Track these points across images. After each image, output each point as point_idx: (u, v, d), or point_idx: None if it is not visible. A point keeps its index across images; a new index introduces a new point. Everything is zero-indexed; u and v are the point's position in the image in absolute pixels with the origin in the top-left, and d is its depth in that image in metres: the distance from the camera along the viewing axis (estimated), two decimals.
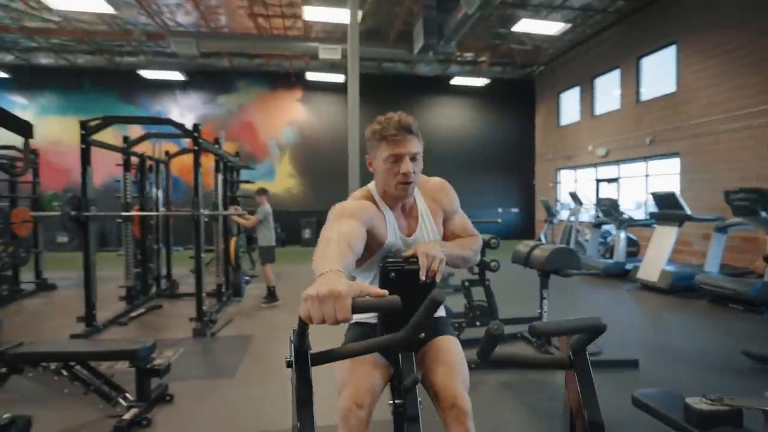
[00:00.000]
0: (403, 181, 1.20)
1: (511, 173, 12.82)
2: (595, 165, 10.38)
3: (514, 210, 12.88)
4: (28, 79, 10.85)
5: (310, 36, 9.29)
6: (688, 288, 5.33)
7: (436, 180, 1.35)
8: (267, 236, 5.07)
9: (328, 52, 8.94)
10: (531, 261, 3.54)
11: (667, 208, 5.75)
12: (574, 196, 8.66)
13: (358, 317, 1.31)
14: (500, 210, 12.64)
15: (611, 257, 7.19)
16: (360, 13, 8.12)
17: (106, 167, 6.67)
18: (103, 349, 2.24)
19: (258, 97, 11.87)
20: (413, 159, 1.20)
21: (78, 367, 2.17)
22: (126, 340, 2.34)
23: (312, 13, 7.98)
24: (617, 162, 9.55)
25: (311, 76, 11.42)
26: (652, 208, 7.26)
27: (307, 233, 11.28)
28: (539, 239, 9.75)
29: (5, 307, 4.89)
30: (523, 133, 12.96)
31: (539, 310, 3.50)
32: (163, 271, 5.87)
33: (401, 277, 1.14)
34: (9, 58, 10.21)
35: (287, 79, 11.72)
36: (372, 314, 1.25)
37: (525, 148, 12.97)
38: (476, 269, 3.73)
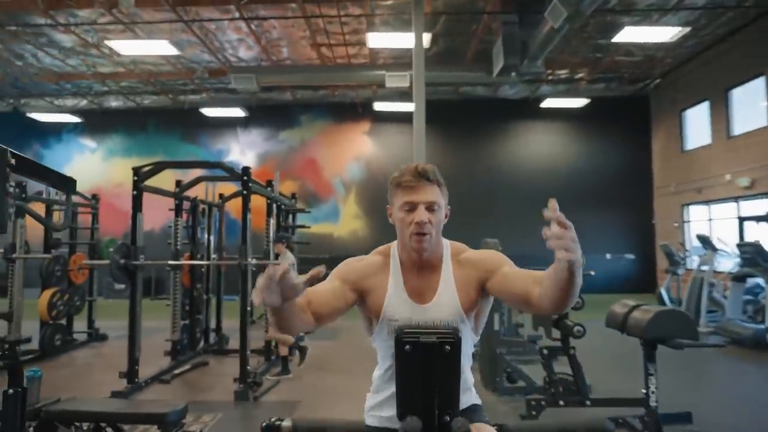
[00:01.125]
0: (416, 232, 1.25)
1: (621, 210, 12.13)
2: (736, 199, 9.48)
3: (628, 256, 12.09)
4: (99, 122, 12.69)
5: (376, 63, 9.85)
6: None
7: (482, 251, 1.36)
8: None
9: (396, 79, 9.37)
10: (629, 326, 3.33)
11: None
12: (704, 240, 7.92)
13: (375, 422, 1.34)
14: (608, 256, 11.97)
15: (763, 321, 6.40)
16: (429, 36, 8.49)
17: (166, 212, 7.47)
18: (133, 410, 2.48)
19: (322, 131, 12.63)
20: (430, 209, 1.26)
21: (109, 429, 2.42)
22: (158, 402, 2.57)
23: (377, 40, 8.51)
24: (767, 194, 8.64)
25: (379, 106, 11.96)
26: None
27: None
28: (659, 295, 8.95)
29: (56, 357, 5.55)
30: (635, 162, 12.30)
31: (644, 390, 3.26)
32: (213, 324, 6.26)
33: (417, 349, 1.17)
34: (83, 103, 12.08)
35: (353, 110, 12.34)
36: (391, 415, 1.25)
37: (639, 179, 12.26)
38: (557, 334, 3.57)
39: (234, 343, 5.79)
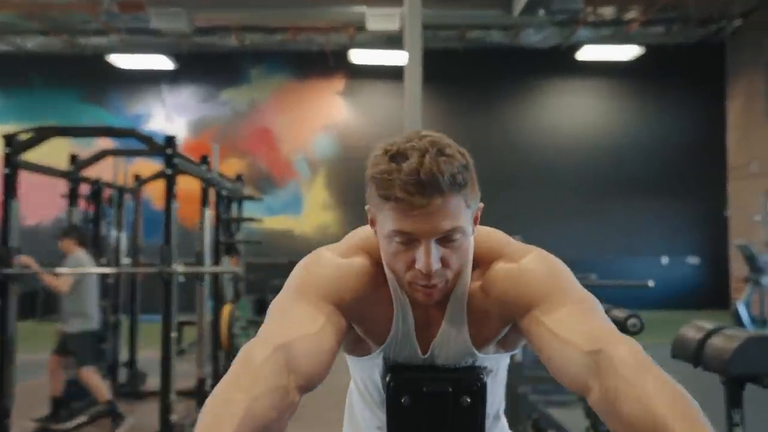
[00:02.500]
0: (421, 283, 1.06)
1: (683, 199, 12.24)
2: None
3: (692, 260, 12.23)
4: None
5: None
6: None
7: (528, 265, 1.12)
8: (81, 311, 4.73)
9: (381, 19, 9.22)
10: (706, 358, 3.23)
11: None
12: None
13: None
14: (665, 260, 12.08)
15: None
16: None
17: (59, 199, 7.20)
18: None
19: (279, 91, 12.41)
20: (447, 240, 1.03)
21: None
22: None
23: None
24: None
25: (358, 56, 11.75)
26: None
27: None
28: (735, 312, 8.98)
29: None
30: (704, 133, 12.38)
31: None
32: (125, 355, 6.07)
33: (419, 402, 1.14)
34: None
35: (322, 62, 12.14)
36: None
37: (708, 156, 12.36)
38: None
39: (154, 382, 5.58)
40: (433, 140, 1.01)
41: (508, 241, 1.19)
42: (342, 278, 1.10)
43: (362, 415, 1.32)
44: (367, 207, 1.11)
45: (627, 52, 11.77)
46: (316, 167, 12.37)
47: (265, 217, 9.92)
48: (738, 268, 11.50)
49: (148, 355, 6.75)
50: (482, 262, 1.16)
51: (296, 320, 1.02)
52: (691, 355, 3.40)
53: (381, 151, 1.03)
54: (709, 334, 3.38)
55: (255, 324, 7.45)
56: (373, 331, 1.16)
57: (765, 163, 11.12)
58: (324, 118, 12.41)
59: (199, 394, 5.09)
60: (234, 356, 3.87)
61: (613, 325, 1.01)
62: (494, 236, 1.19)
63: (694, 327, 3.60)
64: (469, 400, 1.12)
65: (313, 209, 12.27)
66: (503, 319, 1.14)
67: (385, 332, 1.17)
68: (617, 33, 11.42)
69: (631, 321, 3.34)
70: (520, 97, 12.44)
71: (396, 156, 0.99)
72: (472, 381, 1.15)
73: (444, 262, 1.03)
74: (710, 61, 12.34)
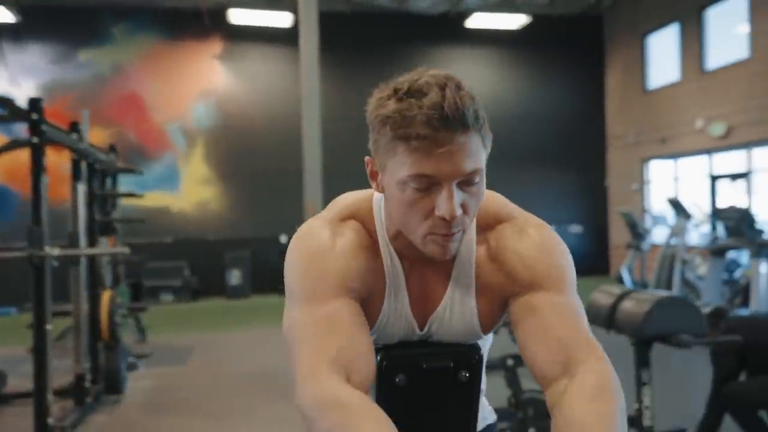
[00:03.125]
0: (441, 232, 1.01)
1: (566, 168, 12.94)
2: (708, 152, 10.49)
3: (574, 228, 12.98)
4: None
5: None
6: None
7: (534, 238, 1.11)
8: None
9: None
10: (618, 321, 3.50)
11: None
12: (676, 205, 8.67)
13: None
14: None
15: (745, 304, 7.16)
16: None
17: None
18: None
19: (148, 52, 11.75)
20: (468, 183, 1.00)
21: None
22: None
23: None
24: (746, 146, 9.65)
25: (237, 16, 11.41)
26: None
27: (235, 277, 11.18)
28: (619, 277, 9.71)
29: None
30: (585, 103, 13.13)
31: (636, 405, 3.45)
32: None
33: (416, 380, 1.11)
34: None
35: (197, 21, 11.44)
36: None
37: (589, 126, 13.14)
38: None
39: (17, 382, 5.31)
40: (447, 75, 0.98)
41: (508, 203, 1.17)
42: (348, 265, 1.06)
43: None
44: (367, 159, 1.06)
45: (515, 21, 12.16)
46: (193, 138, 11.87)
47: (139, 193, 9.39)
48: (617, 235, 12.42)
49: (7, 354, 6.24)
50: (486, 225, 1.13)
51: (329, 328, 0.99)
52: (603, 320, 3.62)
53: (388, 90, 0.99)
54: (620, 299, 3.62)
55: (131, 312, 7.09)
56: (367, 311, 1.10)
57: (642, 133, 12.00)
58: (201, 84, 11.90)
59: (78, 393, 4.79)
60: (116, 348, 3.63)
61: (592, 338, 1.04)
62: (496, 197, 1.17)
63: (604, 293, 3.83)
64: (467, 375, 1.11)
65: (191, 184, 11.81)
66: (507, 294, 1.11)
67: (375, 310, 1.12)
68: (505, 1, 11.75)
69: None
70: (411, 65, 12.34)
71: (412, 92, 0.95)
72: (471, 355, 1.13)
73: (464, 208, 0.99)
74: (591, 33, 13.05)
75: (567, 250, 1.12)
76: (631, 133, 12.27)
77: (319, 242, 1.07)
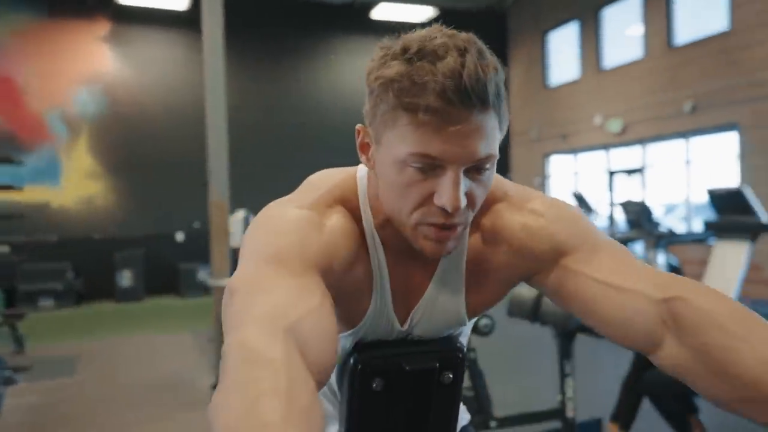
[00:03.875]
0: (437, 223, 0.88)
1: None
2: (606, 147, 10.96)
3: None
4: None
5: None
6: None
7: (547, 208, 1.02)
8: None
9: None
10: (543, 313, 3.58)
11: (731, 213, 6.07)
12: (580, 199, 9.00)
13: None
14: None
15: None
16: None
17: None
18: None
19: (23, 32, 10.97)
20: (477, 171, 0.87)
21: None
22: None
23: None
24: (641, 141, 10.15)
25: None
26: (699, 213, 7.65)
27: (125, 278, 10.68)
28: None
29: None
30: None
31: (560, 396, 3.54)
32: None
33: (394, 384, 1.03)
34: None
35: (78, 0, 11.07)
36: None
37: None
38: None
39: None
40: (469, 37, 0.85)
41: (500, 179, 1.05)
42: (329, 242, 0.91)
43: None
44: (359, 127, 0.95)
45: (421, 14, 12.26)
46: (77, 128, 11.17)
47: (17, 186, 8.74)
48: None
49: None
50: (489, 212, 1.03)
51: (286, 294, 0.78)
52: (527, 313, 3.67)
53: (396, 48, 0.84)
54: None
55: (5, 320, 6.56)
56: (348, 308, 1.00)
57: (543, 128, 12.42)
58: (85, 69, 11.25)
59: None
60: None
61: (671, 273, 0.93)
62: (505, 185, 1.07)
63: (527, 286, 3.88)
64: (451, 376, 1.05)
65: (74, 178, 11.14)
66: (515, 276, 1.04)
67: (361, 309, 1.02)
68: None
69: (483, 321, 3.46)
70: (312, 55, 12.46)
71: (425, 53, 0.81)
72: (454, 353, 1.07)
73: (469, 199, 0.87)
74: (495, 28, 13.40)
75: (577, 208, 1.05)
76: (534, 128, 12.66)
77: (298, 217, 0.91)
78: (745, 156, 8.39)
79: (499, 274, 1.04)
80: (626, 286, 0.90)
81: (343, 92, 12.48)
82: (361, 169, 1.03)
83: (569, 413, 3.53)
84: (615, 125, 10.39)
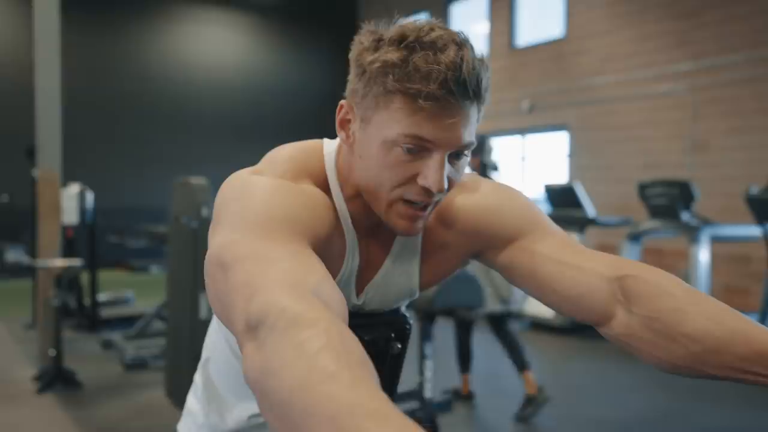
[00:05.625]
0: (417, 200, 0.94)
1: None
2: None
3: None
4: None
5: None
6: None
7: (494, 193, 1.11)
8: None
9: None
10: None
11: (563, 207, 6.62)
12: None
13: None
14: None
15: None
16: None
17: None
18: None
19: None
20: (456, 157, 0.95)
21: None
22: None
23: None
24: (482, 136, 10.70)
25: None
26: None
27: None
28: None
29: None
30: (339, 85, 13.26)
31: (419, 377, 3.67)
32: None
33: None
34: None
35: None
36: None
37: (335, 108, 13.65)
38: None
39: None
40: (459, 32, 0.92)
41: None
42: (314, 213, 0.93)
43: (235, 388, 1.19)
44: (342, 103, 0.99)
45: None
46: None
47: None
48: None
49: None
50: (448, 200, 1.11)
51: (294, 261, 0.78)
52: None
53: (391, 35, 0.90)
54: None
55: None
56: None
57: None
58: None
59: None
60: None
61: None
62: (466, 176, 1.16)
63: None
64: (400, 345, 1.11)
65: None
66: (466, 254, 1.13)
67: (335, 274, 1.04)
68: None
69: None
70: (156, 27, 11.91)
71: (425, 44, 0.87)
72: (404, 325, 1.14)
73: (449, 182, 0.94)
74: (348, 12, 13.52)
75: (519, 195, 1.14)
76: None
77: (276, 185, 0.92)
78: (573, 155, 9.18)
79: (451, 251, 1.11)
80: (582, 265, 0.99)
81: (187, 61, 12.11)
82: (328, 144, 1.06)
83: (427, 394, 3.67)
84: None
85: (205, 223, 4.02)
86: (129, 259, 10.76)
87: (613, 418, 4.08)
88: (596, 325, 1.00)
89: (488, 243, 1.09)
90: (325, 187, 1.01)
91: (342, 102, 0.99)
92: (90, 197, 6.34)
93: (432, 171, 0.91)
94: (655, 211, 5.96)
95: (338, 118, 0.99)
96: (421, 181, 0.91)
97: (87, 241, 6.43)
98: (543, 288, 1.04)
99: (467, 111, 0.91)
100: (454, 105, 0.88)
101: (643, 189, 6.06)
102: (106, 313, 6.53)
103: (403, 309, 1.18)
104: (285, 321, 0.65)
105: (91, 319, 6.26)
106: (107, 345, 5.49)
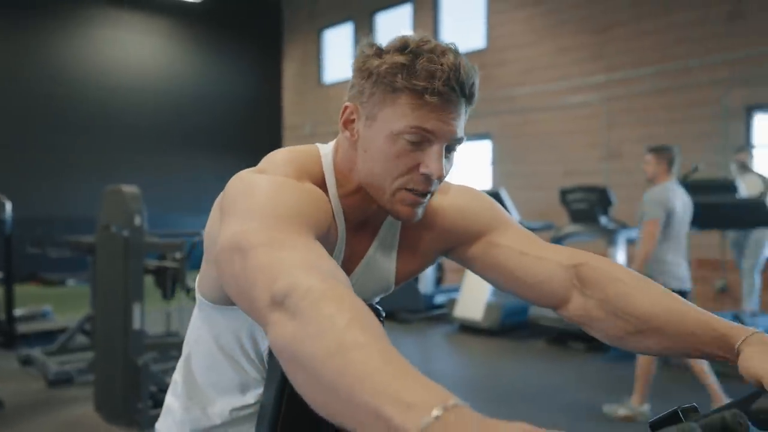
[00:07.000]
0: (419, 188, 1.06)
1: (241, 154, 13.02)
2: None
3: None
4: None
5: None
6: (520, 325, 6.52)
7: (462, 194, 1.25)
8: None
9: None
10: None
11: None
12: None
13: None
14: None
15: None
16: None
17: None
18: None
19: None
20: (449, 150, 1.08)
21: None
22: None
23: None
24: None
25: None
26: None
27: None
28: None
29: None
30: (262, 90, 13.50)
31: None
32: None
33: None
34: None
35: None
36: None
37: (265, 114, 13.54)
38: None
39: None
40: (452, 43, 1.05)
41: None
42: (318, 208, 1.02)
43: (218, 382, 1.22)
44: (347, 104, 1.07)
45: None
46: None
47: None
48: None
49: None
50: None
51: (309, 250, 0.85)
52: None
53: (394, 44, 1.03)
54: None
55: None
56: None
57: (316, 124, 12.75)
58: None
59: None
60: None
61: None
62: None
63: None
64: None
65: None
66: (439, 250, 1.24)
67: None
68: None
69: None
70: (78, 25, 11.52)
71: (428, 50, 1.00)
72: (378, 315, 1.13)
73: (446, 172, 1.08)
74: (271, 19, 13.44)
75: (486, 197, 1.28)
76: (308, 124, 12.94)
77: (282, 182, 1.01)
78: (497, 162, 9.51)
79: (426, 246, 1.23)
80: (541, 255, 1.15)
81: (104, 65, 11.79)
82: (323, 147, 1.15)
83: None
84: None
85: (137, 232, 3.97)
86: (44, 272, 10.32)
87: (541, 417, 4.22)
88: (555, 307, 1.15)
89: (459, 239, 1.22)
90: (322, 186, 1.10)
91: (346, 104, 1.07)
92: (8, 207, 6.09)
93: (433, 160, 1.03)
94: (576, 216, 6.26)
95: (342, 118, 1.08)
96: (423, 169, 1.03)
97: (3, 253, 6.16)
98: (507, 276, 1.18)
99: (462, 109, 1.05)
100: (454, 101, 1.02)
101: (564, 195, 6.36)
102: (23, 328, 6.28)
103: (374, 302, 1.24)
104: (313, 295, 0.72)
105: (7, 336, 6.02)
106: (27, 361, 5.29)
